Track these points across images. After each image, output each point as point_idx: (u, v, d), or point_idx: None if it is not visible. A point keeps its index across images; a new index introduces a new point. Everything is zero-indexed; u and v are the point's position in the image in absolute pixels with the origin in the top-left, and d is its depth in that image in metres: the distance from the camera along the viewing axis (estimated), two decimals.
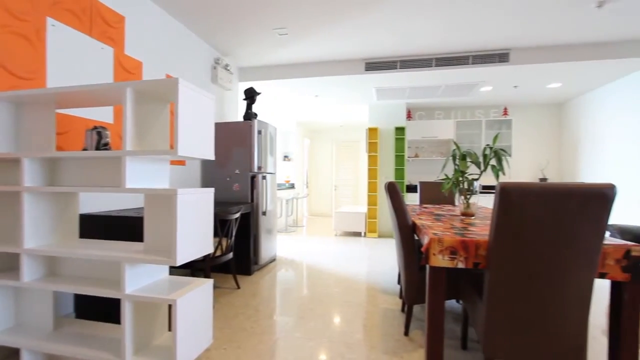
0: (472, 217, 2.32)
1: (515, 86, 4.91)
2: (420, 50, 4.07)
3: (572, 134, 5.70)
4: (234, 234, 2.93)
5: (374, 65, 4.33)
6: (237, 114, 4.79)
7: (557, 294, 1.33)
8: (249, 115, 3.99)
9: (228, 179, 3.68)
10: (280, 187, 6.88)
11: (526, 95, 5.51)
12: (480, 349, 2.00)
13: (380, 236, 6.01)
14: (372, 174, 5.98)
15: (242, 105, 5.34)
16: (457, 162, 2.26)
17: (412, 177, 6.56)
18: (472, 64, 4.04)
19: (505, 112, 6.05)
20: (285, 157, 7.67)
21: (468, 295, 1.74)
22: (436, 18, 3.27)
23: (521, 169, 6.22)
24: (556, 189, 1.18)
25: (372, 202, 6.01)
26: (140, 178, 1.60)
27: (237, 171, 3.65)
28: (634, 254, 1.35)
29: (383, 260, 4.26)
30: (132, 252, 1.58)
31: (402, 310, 2.59)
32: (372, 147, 5.96)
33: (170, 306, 2.20)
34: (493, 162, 5.94)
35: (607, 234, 3.74)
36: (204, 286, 1.72)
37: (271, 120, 6.99)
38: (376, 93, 5.24)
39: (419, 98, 5.57)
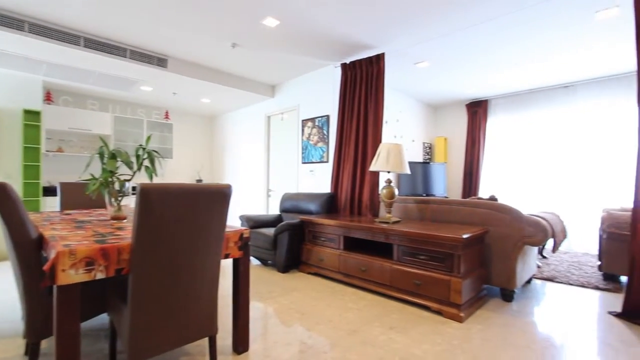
0: (124, 221, 2.18)
1: (174, 93, 5.24)
2: (67, 22, 3.31)
3: (220, 144, 6.97)
4: None
5: None
6: None
7: (195, 279, 1.53)
8: None
9: None
10: None
11: (185, 104, 6.05)
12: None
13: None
14: None
15: None
16: (106, 160, 2.04)
17: (53, 176, 5.21)
18: (130, 58, 3.85)
19: (167, 116, 6.32)
20: None
21: (114, 305, 1.60)
22: None
23: (181, 171, 6.75)
24: (190, 190, 1.35)
25: None
26: None
27: None
28: (245, 236, 1.82)
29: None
30: None
31: (26, 352, 1.95)
32: None
33: None
34: (147, 163, 6.00)
35: (239, 222, 4.85)
36: None
37: None
38: None
39: (64, 79, 4.53)
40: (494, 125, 6.02)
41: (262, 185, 5.75)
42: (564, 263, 4.08)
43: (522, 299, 2.86)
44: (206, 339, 2.14)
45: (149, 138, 2.19)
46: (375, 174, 3.88)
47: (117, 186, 2.15)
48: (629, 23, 3.21)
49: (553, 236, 2.90)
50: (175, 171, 6.65)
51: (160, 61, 4.09)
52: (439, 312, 2.52)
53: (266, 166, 5.66)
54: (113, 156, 2.02)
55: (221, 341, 2.09)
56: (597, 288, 3.15)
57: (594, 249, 4.69)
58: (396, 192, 3.19)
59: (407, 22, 3.30)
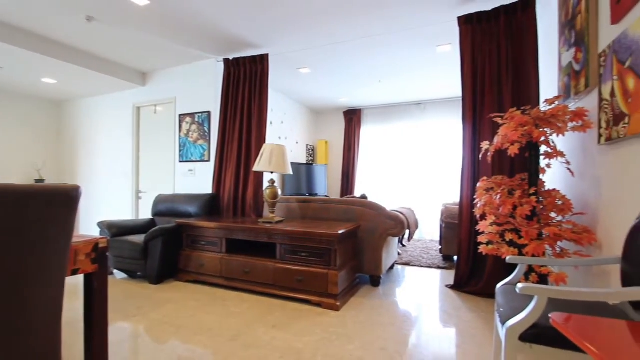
0: None
1: None
2: None
3: (72, 136, 5.72)
4: None
5: None
6: None
7: (25, 310, 1.19)
8: None
9: None
10: None
11: (18, 83, 4.73)
12: None
13: None
14: None
15: None
16: None
17: None
18: None
19: None
20: None
21: None
22: None
23: (12, 169, 5.25)
24: (14, 192, 1.04)
25: None
26: None
27: None
28: (101, 246, 1.53)
29: None
30: None
31: None
32: None
33: None
34: None
35: (99, 230, 4.11)
36: None
37: None
38: None
39: None
40: (366, 132, 6.80)
41: (129, 186, 4.99)
42: (417, 249, 4.92)
43: (387, 283, 3.31)
44: None
45: None
46: (260, 174, 3.86)
47: None
48: (458, 58, 4.11)
49: (409, 227, 3.46)
50: (1, 169, 5.13)
51: None
52: (318, 304, 2.68)
53: (135, 164, 4.94)
54: None
55: None
56: (439, 267, 3.90)
57: (437, 236, 5.82)
58: (279, 192, 3.24)
59: (289, 28, 3.40)
